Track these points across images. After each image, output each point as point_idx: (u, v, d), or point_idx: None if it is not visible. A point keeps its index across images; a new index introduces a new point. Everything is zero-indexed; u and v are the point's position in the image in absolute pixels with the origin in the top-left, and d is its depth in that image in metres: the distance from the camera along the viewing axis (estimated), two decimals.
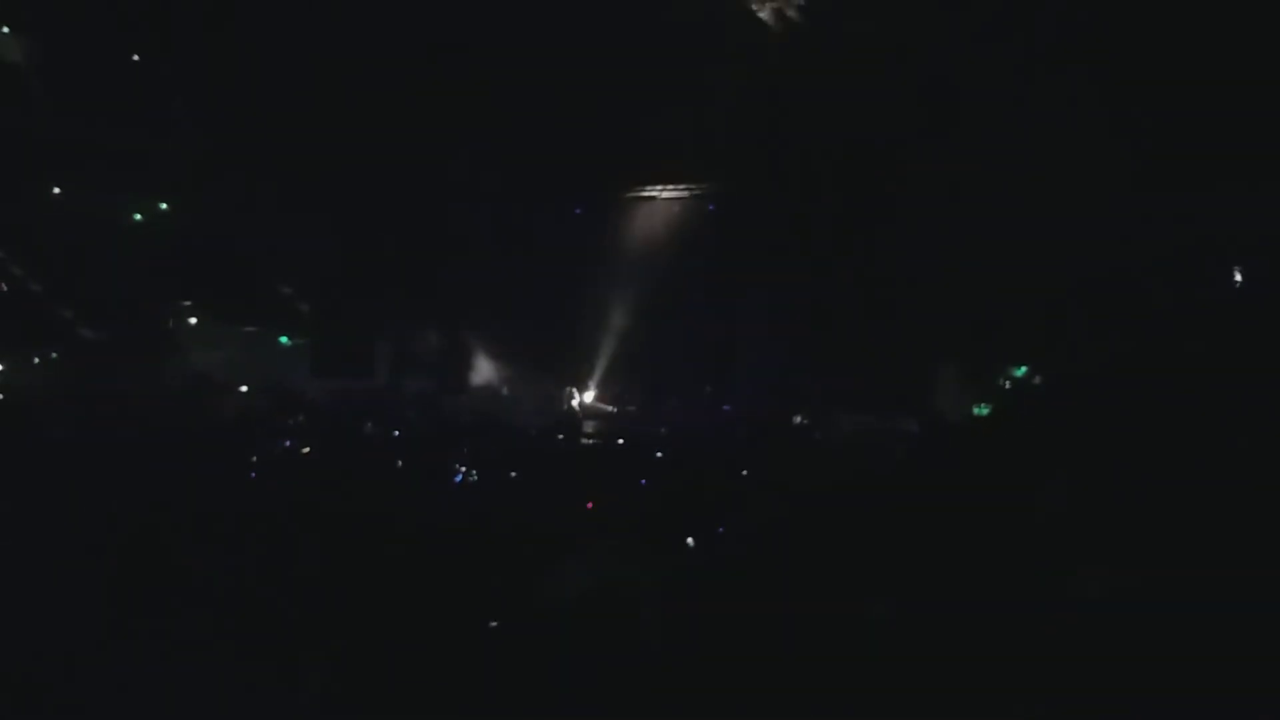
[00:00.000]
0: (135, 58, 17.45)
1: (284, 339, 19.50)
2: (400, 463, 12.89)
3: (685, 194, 19.21)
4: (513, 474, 12.20)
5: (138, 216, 18.33)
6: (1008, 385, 15.95)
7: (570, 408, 19.00)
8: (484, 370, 19.83)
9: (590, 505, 10.55)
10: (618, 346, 19.30)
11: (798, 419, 16.79)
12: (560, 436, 16.20)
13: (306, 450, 13.11)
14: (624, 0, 16.02)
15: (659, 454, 13.92)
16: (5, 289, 17.16)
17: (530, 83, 16.67)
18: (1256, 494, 5.06)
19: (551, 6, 16.15)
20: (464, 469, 12.03)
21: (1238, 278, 11.93)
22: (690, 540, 7.94)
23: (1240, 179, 12.32)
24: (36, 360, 16.65)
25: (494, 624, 6.39)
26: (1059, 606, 5.03)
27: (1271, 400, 5.54)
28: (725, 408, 18.41)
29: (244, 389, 16.99)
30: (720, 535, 8.18)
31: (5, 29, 16.95)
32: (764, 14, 16.00)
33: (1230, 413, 5.66)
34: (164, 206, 18.46)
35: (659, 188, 19.34)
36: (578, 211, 19.93)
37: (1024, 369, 15.84)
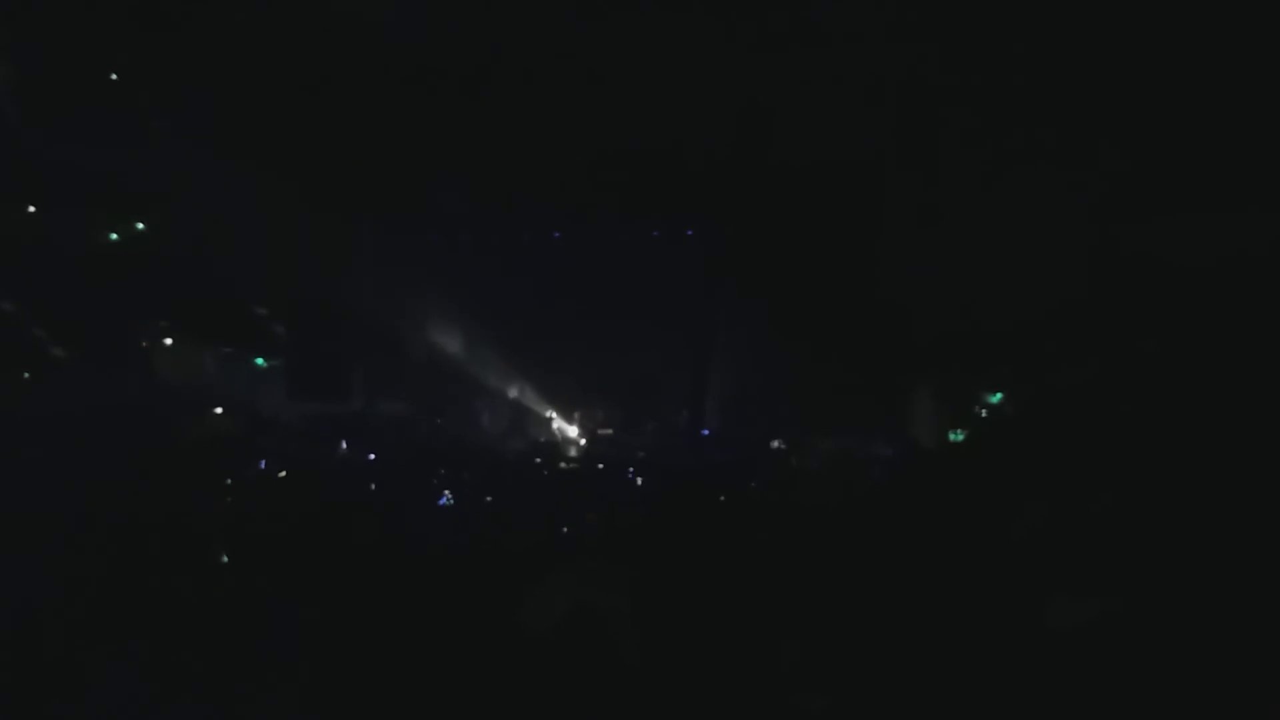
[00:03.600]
0: (113, 76, 17.38)
1: (260, 361, 19.36)
2: (374, 486, 12.82)
3: (663, 218, 19.25)
4: (489, 499, 12.15)
5: (113, 236, 18.18)
6: (983, 412, 16.04)
7: (549, 432, 18.97)
8: (461, 395, 19.72)
9: (566, 529, 10.53)
10: (596, 371, 19.28)
11: (775, 443, 16.81)
12: (538, 460, 16.15)
13: (284, 474, 13.01)
14: (607, 22, 16.09)
15: (638, 479, 13.92)
16: None
17: (509, 106, 16.71)
18: (1236, 516, 5.10)
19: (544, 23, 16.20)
20: (446, 492, 12.00)
21: (1213, 304, 12.04)
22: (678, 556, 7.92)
23: (1217, 203, 12.45)
24: (8, 380, 16.43)
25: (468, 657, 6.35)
26: (1035, 633, 5.05)
27: (1248, 423, 5.61)
28: (704, 432, 18.43)
29: (219, 410, 16.84)
30: (696, 557, 8.16)
31: None
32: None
33: (1206, 437, 5.72)
34: (140, 226, 18.32)
35: (637, 211, 19.37)
36: (556, 235, 19.95)
37: (999, 395, 15.93)
